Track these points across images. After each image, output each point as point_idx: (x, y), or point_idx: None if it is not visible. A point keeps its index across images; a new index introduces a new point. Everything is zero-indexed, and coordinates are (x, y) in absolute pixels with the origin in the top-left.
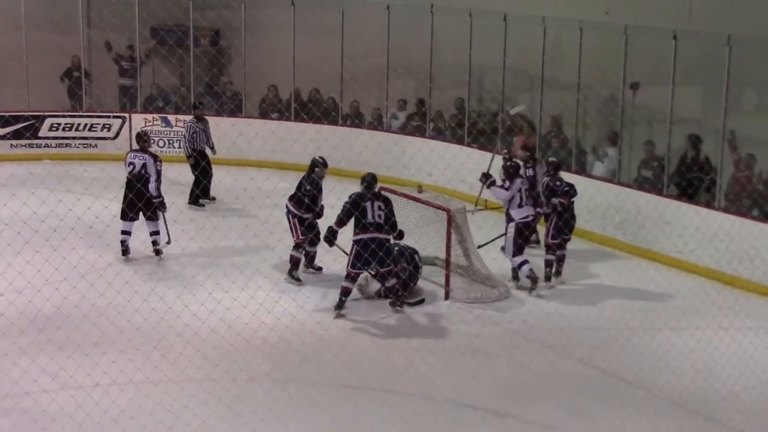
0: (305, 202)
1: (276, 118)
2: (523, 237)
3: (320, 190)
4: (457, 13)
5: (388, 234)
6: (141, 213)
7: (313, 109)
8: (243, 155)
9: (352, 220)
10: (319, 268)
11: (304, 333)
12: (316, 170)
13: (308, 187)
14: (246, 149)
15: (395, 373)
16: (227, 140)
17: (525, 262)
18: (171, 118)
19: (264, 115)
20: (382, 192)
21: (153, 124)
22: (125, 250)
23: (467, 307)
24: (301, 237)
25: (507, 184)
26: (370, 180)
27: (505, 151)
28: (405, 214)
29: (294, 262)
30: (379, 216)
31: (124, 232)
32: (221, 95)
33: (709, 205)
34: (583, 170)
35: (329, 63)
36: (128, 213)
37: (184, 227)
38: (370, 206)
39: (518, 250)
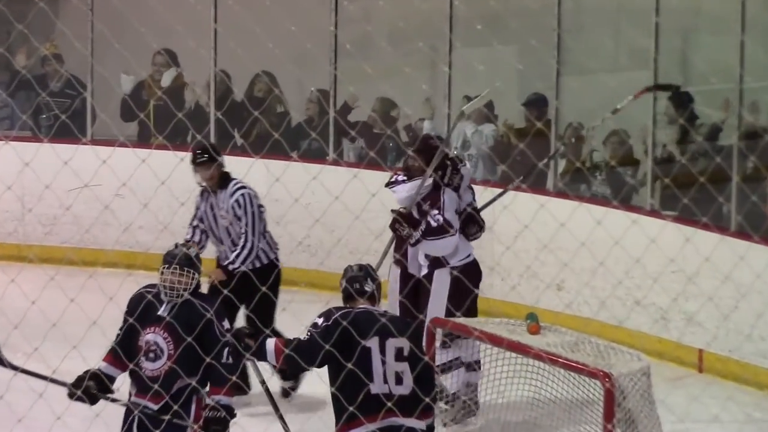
0: None
1: (171, 147)
2: (466, 298)
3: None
4: None
5: (423, 420)
6: None
7: (263, 122)
8: (95, 241)
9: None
10: None
11: None
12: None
13: None
14: (97, 227)
15: None
16: (52, 202)
17: (460, 364)
18: None
19: (143, 138)
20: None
21: None
22: None
23: None
24: None
25: (438, 215)
26: (362, 279)
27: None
28: (496, 377)
29: None
30: (399, 378)
31: None
32: (37, 89)
33: None
34: None
35: (303, 18)
36: None
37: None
38: (377, 349)
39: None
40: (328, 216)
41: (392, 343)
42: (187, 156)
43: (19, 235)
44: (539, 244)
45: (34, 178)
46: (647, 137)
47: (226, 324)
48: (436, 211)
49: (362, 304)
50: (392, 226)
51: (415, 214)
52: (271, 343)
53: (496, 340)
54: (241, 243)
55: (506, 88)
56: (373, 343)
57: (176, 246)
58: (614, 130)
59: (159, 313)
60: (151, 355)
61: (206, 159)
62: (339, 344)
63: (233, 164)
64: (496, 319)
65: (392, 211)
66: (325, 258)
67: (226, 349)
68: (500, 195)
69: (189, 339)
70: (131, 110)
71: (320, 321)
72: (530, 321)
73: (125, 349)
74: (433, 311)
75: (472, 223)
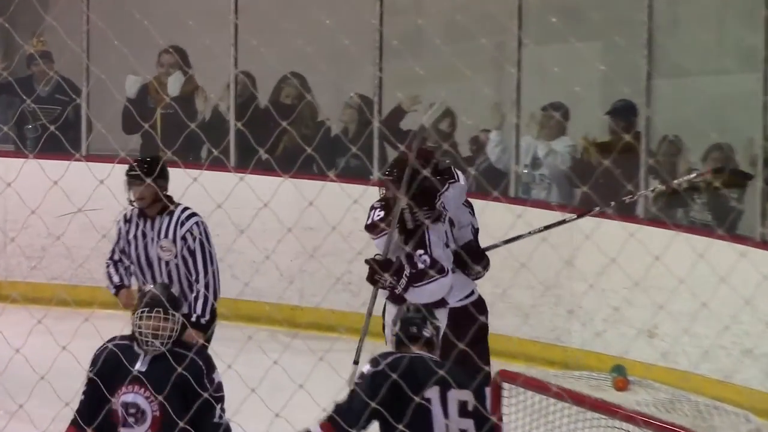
0: None
1: (181, 164)
2: (469, 345)
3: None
4: None
5: None
6: None
7: (293, 134)
8: (90, 277)
9: None
10: None
11: None
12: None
13: None
14: (93, 260)
15: None
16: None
17: None
18: None
19: (148, 154)
20: (498, 377)
21: None
22: None
23: None
24: None
25: (423, 255)
26: (419, 322)
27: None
28: None
29: None
30: None
31: None
32: (21, 94)
33: None
34: None
35: (341, 9)
36: None
37: None
38: (438, 402)
39: None
40: (373, 248)
41: (455, 395)
42: (201, 175)
43: None
44: (628, 282)
45: (18, 201)
46: (756, 152)
47: (217, 377)
48: (421, 251)
49: (418, 351)
50: (370, 279)
51: (402, 258)
52: (314, 428)
53: (576, 398)
54: (200, 287)
55: (586, 93)
56: (433, 393)
57: (154, 285)
58: (716, 144)
59: (137, 368)
60: (131, 419)
61: (143, 172)
62: (389, 397)
63: (255, 184)
64: (575, 371)
65: (366, 261)
66: (368, 298)
67: (219, 407)
68: (574, 218)
69: (206, 394)
70: (134, 120)
71: (366, 369)
72: (617, 374)
73: (93, 417)
74: None
75: (474, 260)
